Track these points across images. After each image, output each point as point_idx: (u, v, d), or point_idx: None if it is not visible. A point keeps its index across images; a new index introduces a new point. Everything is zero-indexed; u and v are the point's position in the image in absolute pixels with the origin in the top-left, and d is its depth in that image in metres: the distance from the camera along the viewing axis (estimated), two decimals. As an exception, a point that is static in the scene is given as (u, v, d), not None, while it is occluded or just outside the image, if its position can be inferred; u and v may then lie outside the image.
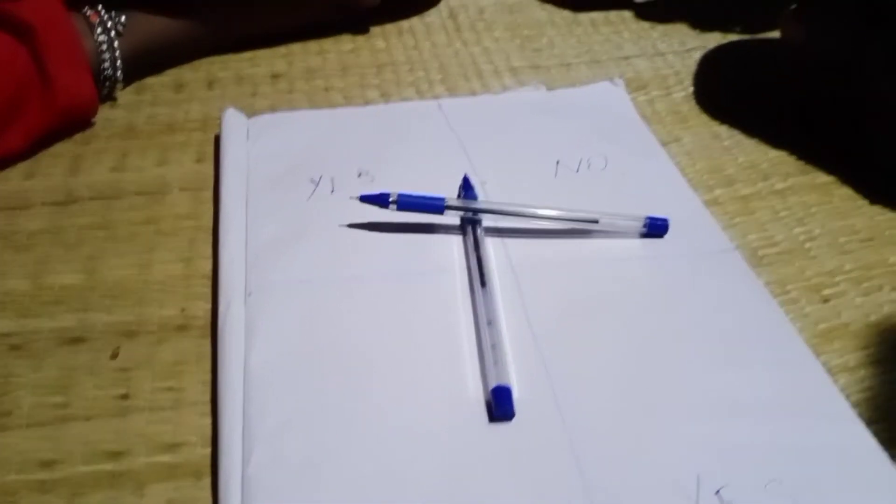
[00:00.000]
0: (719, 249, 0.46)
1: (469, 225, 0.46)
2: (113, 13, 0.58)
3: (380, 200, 0.45)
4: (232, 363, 0.37)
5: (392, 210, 0.45)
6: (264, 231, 0.46)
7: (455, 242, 0.46)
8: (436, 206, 0.46)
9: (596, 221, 0.46)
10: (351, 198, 0.46)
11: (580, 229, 0.47)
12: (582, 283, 0.44)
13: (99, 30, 0.57)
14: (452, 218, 0.47)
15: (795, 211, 0.51)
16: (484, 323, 0.40)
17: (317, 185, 0.50)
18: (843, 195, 0.52)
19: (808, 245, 0.48)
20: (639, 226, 0.46)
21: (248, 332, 0.39)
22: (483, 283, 0.42)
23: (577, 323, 0.41)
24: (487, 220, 0.47)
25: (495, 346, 0.38)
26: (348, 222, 0.47)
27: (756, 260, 0.47)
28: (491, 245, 0.46)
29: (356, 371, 0.38)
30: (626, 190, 0.50)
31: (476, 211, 0.47)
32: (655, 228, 0.46)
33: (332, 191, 0.49)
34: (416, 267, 0.44)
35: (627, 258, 0.45)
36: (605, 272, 0.44)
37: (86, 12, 0.57)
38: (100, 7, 0.57)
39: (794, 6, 0.58)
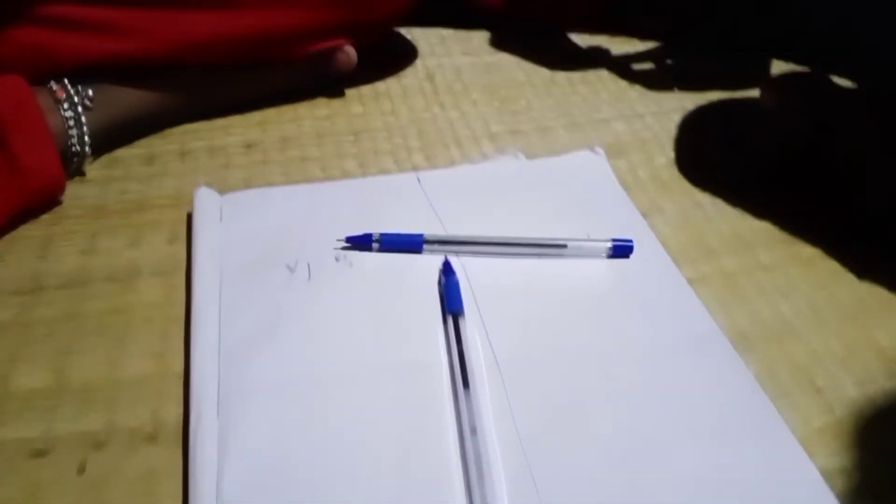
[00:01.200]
0: (707, 336, 0.45)
1: (450, 316, 0.45)
2: (80, 87, 0.56)
3: (364, 241, 0.49)
4: (204, 485, 0.36)
5: (375, 251, 0.49)
6: (237, 326, 0.44)
7: (438, 332, 0.45)
8: (415, 242, 0.50)
9: (564, 246, 0.50)
10: (338, 240, 0.50)
11: (551, 254, 0.50)
12: (568, 380, 0.42)
13: (65, 105, 0.55)
14: (434, 302, 0.46)
15: (781, 286, 0.50)
16: (467, 431, 0.38)
17: (293, 271, 0.48)
18: (828, 270, 0.52)
19: (797, 325, 0.48)
20: (605, 247, 0.50)
21: (221, 446, 0.38)
22: (465, 384, 0.40)
23: (564, 425, 0.40)
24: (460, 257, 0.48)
25: (479, 460, 0.36)
26: (325, 312, 0.45)
27: (744, 342, 0.46)
28: (474, 332, 0.45)
29: (334, 487, 0.36)
30: (608, 271, 0.49)
31: (452, 242, 0.50)
32: (621, 250, 0.50)
33: (309, 278, 0.48)
34: (396, 361, 0.43)
35: (613, 351, 0.44)
36: (592, 366, 0.43)
37: (51, 87, 0.55)
38: (66, 81, 0.56)
39: (772, 76, 0.58)
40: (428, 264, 0.49)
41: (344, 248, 0.50)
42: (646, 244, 0.52)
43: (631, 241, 0.50)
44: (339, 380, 0.42)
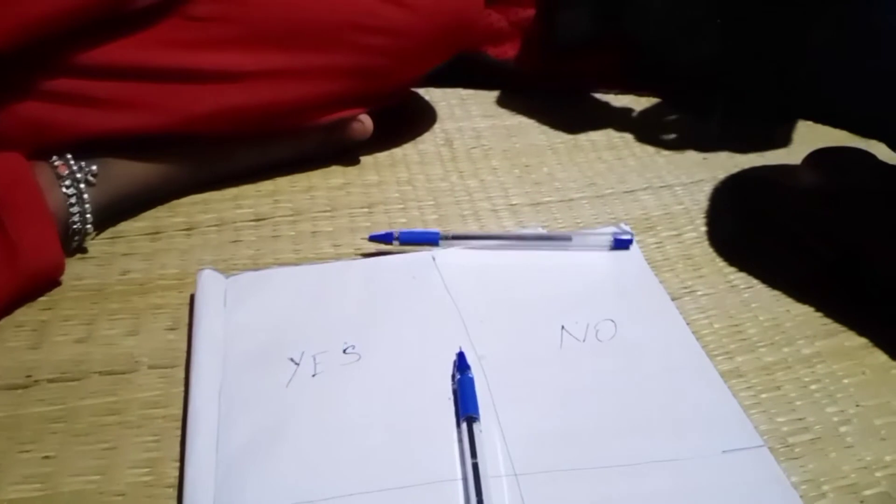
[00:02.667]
0: (747, 446, 0.41)
1: (464, 421, 0.41)
2: (83, 163, 0.54)
3: (385, 238, 0.55)
4: None
5: (396, 246, 0.54)
6: (237, 431, 0.41)
7: (451, 440, 0.42)
8: (431, 238, 0.55)
9: (569, 239, 0.55)
10: (362, 239, 0.55)
11: (556, 247, 0.54)
12: (595, 495, 0.39)
13: (67, 182, 0.53)
14: (447, 408, 0.43)
15: (826, 384, 0.46)
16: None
17: (298, 365, 0.45)
18: (875, 364, 0.48)
19: (842, 429, 0.44)
20: (608, 239, 0.54)
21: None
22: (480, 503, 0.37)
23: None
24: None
25: None
26: (329, 415, 0.42)
27: (786, 450, 0.42)
28: (491, 435, 0.41)
29: None
30: (637, 367, 0.46)
31: (465, 237, 0.55)
32: (621, 243, 0.54)
33: (314, 374, 0.45)
34: (408, 480, 0.39)
35: (649, 459, 0.40)
36: (621, 479, 0.39)
37: (53, 162, 0.53)
38: (69, 156, 0.54)
39: (815, 152, 0.55)
40: (440, 356, 0.46)
41: (347, 349, 0.46)
42: (677, 335, 0.48)
43: (631, 234, 0.55)
44: (345, 497, 0.38)
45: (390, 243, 0.54)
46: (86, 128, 0.54)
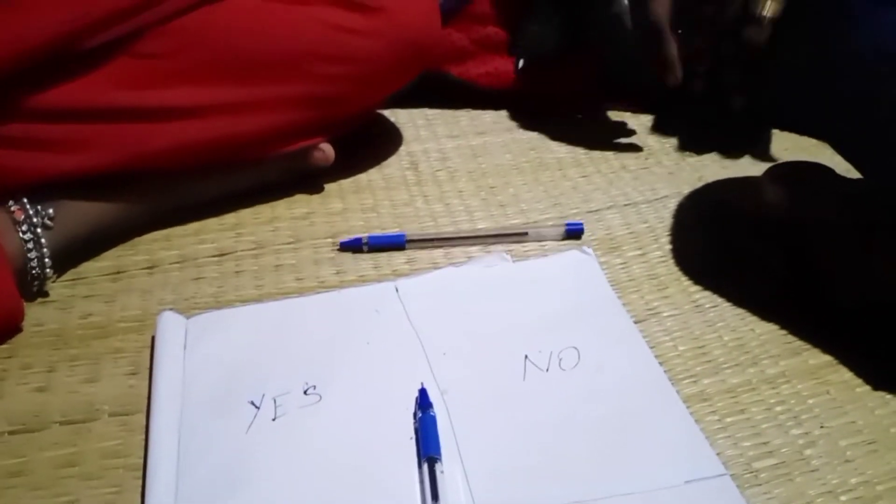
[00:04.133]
0: (710, 475, 0.41)
1: (426, 461, 0.41)
2: (39, 207, 0.53)
3: (355, 244, 0.58)
4: None
5: (366, 251, 0.58)
6: (196, 478, 0.41)
7: (413, 482, 0.41)
8: (397, 241, 0.58)
9: (525, 234, 0.59)
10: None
11: (513, 241, 0.58)
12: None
13: (24, 227, 0.52)
14: (408, 448, 0.43)
15: (791, 405, 0.46)
16: None
17: (258, 409, 0.45)
18: (840, 382, 0.48)
19: (807, 452, 0.43)
20: (560, 232, 0.59)
21: None
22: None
23: None
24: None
25: None
26: (290, 460, 0.42)
27: (751, 476, 0.42)
28: (453, 476, 0.41)
29: None
30: (600, 397, 0.45)
31: (431, 240, 0.59)
32: (573, 231, 0.59)
33: (274, 418, 0.44)
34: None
35: (614, 487, 0.40)
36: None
37: (10, 207, 0.53)
38: (25, 200, 0.53)
39: (770, 168, 0.55)
40: (403, 391, 0.46)
41: (308, 390, 0.46)
42: (640, 362, 0.48)
43: (581, 224, 0.59)
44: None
45: (360, 249, 0.58)
46: (40, 171, 0.53)
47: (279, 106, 0.58)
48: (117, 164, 0.55)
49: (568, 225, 0.59)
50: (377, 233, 0.59)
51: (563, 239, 0.59)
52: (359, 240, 0.58)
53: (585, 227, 0.60)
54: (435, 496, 0.39)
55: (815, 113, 0.54)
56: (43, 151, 0.53)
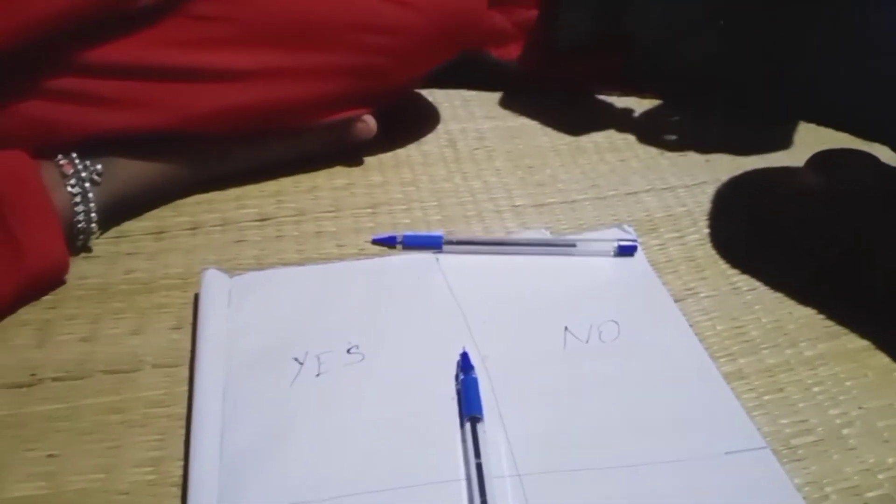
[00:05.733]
0: (750, 447, 0.41)
1: (468, 421, 0.41)
2: (88, 162, 0.54)
3: (389, 241, 0.55)
4: None
5: (399, 250, 0.55)
6: (241, 430, 0.41)
7: (455, 439, 0.42)
8: (435, 242, 0.55)
9: (574, 245, 0.55)
10: (365, 241, 0.55)
11: (560, 253, 0.54)
12: (598, 494, 0.39)
13: (73, 181, 0.53)
14: (451, 408, 0.43)
15: (828, 386, 0.47)
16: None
17: (302, 365, 0.45)
18: (878, 366, 0.48)
19: (845, 432, 0.44)
20: (612, 246, 0.55)
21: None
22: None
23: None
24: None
25: None
26: (333, 414, 0.42)
27: (790, 452, 0.42)
28: (494, 437, 0.42)
29: None
30: (640, 368, 0.46)
31: (469, 243, 0.55)
32: (626, 249, 0.55)
33: (318, 374, 0.45)
34: (411, 479, 0.40)
35: (651, 463, 0.41)
36: (624, 478, 0.40)
37: (59, 161, 0.53)
38: (74, 155, 0.54)
39: (819, 154, 0.55)
40: (444, 356, 0.46)
41: (351, 349, 0.47)
42: (679, 337, 0.48)
43: (635, 241, 0.55)
44: (348, 497, 0.38)
45: (394, 247, 0.55)
46: (89, 126, 0.54)
47: (322, 75, 0.59)
48: (165, 125, 0.55)
49: (619, 241, 0.55)
50: (411, 231, 0.58)
51: (615, 256, 0.55)
52: (393, 238, 0.56)
53: (623, 209, 0.60)
54: (477, 453, 0.39)
55: (852, 96, 0.54)
56: (93, 107, 0.53)
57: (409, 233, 0.56)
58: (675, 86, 0.76)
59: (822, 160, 0.55)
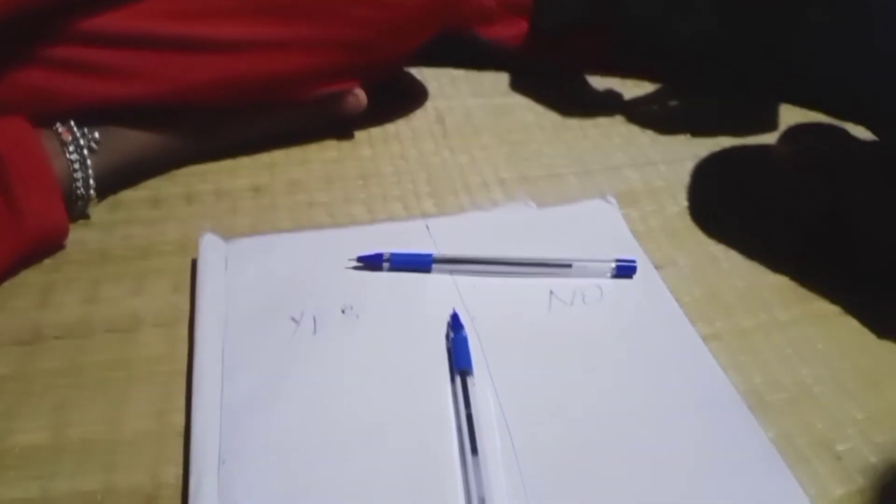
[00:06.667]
0: (725, 399, 0.44)
1: (458, 374, 0.43)
2: (86, 130, 0.55)
3: (375, 260, 0.51)
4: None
5: (386, 270, 0.51)
6: (240, 383, 0.43)
7: (445, 391, 0.44)
8: (424, 261, 0.51)
9: (569, 266, 0.51)
10: (350, 259, 0.51)
11: (555, 274, 0.51)
12: (582, 440, 0.41)
13: (71, 148, 0.54)
14: (442, 355, 0.46)
15: (800, 348, 0.49)
16: (476, 501, 0.37)
17: (298, 323, 0.47)
18: (848, 329, 0.51)
19: (815, 389, 0.46)
20: (609, 267, 0.52)
21: (222, 510, 0.36)
22: (474, 450, 0.39)
23: (575, 491, 0.39)
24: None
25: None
26: (330, 368, 0.44)
27: (762, 406, 0.45)
28: (483, 390, 0.44)
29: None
30: (620, 327, 0.48)
31: (460, 261, 0.51)
32: (624, 270, 0.52)
33: (315, 331, 0.46)
34: (403, 424, 0.42)
35: (630, 411, 0.43)
36: (605, 427, 0.42)
37: (57, 129, 0.55)
38: (72, 123, 0.55)
39: (789, 128, 0.57)
40: (436, 317, 0.48)
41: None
42: (658, 299, 0.50)
43: (634, 261, 0.52)
44: (343, 442, 0.41)
45: (380, 267, 0.51)
46: (87, 96, 0.55)
47: (315, 46, 0.60)
48: (161, 95, 0.57)
49: (618, 262, 0.52)
50: (405, 197, 0.60)
51: (613, 277, 0.52)
52: (380, 256, 0.51)
53: (606, 182, 0.62)
54: (467, 404, 0.41)
55: (849, 73, 0.56)
56: (90, 76, 0.54)
57: (396, 251, 0.51)
58: (667, 64, 0.77)
59: (794, 134, 0.57)
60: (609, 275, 0.52)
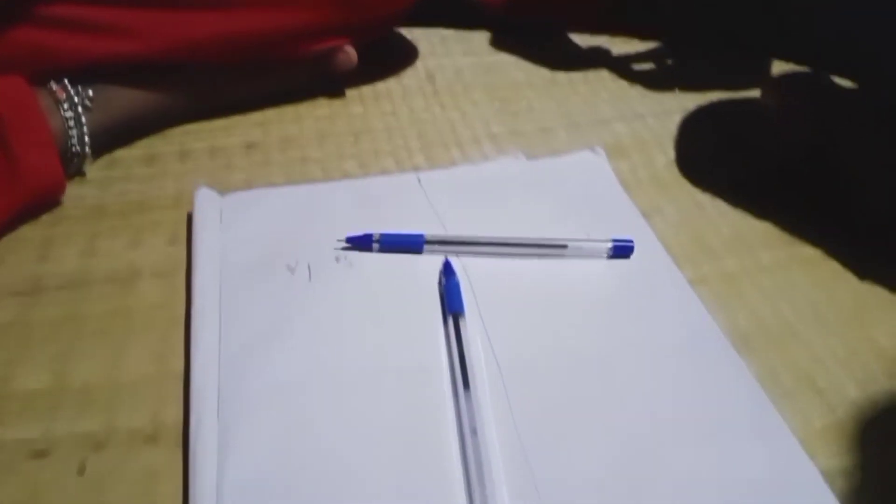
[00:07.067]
0: (709, 338, 0.45)
1: (451, 316, 0.45)
2: (80, 87, 0.56)
3: (364, 241, 0.49)
4: (204, 487, 0.36)
5: (376, 251, 0.49)
6: (238, 329, 0.44)
7: (438, 333, 0.45)
8: (415, 242, 0.49)
9: (565, 247, 0.50)
10: (339, 241, 0.49)
11: (551, 255, 0.50)
12: (568, 380, 0.42)
13: (66, 105, 0.55)
14: (434, 301, 0.47)
15: (783, 288, 0.50)
16: (468, 432, 0.38)
17: (293, 271, 0.48)
18: (829, 270, 0.52)
19: (798, 328, 0.47)
20: (606, 247, 0.50)
21: (221, 449, 0.38)
22: (466, 386, 0.40)
23: (565, 425, 0.40)
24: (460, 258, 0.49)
25: (479, 461, 0.36)
26: (325, 313, 0.45)
27: (745, 343, 0.46)
28: (474, 332, 0.45)
29: (335, 489, 0.36)
30: (610, 271, 0.49)
31: (453, 243, 0.50)
32: (621, 250, 0.50)
33: (310, 279, 0.47)
34: (397, 363, 0.43)
35: (615, 351, 0.44)
36: (592, 366, 0.43)
37: (51, 87, 0.55)
38: (66, 81, 0.56)
39: (773, 76, 0.58)
40: (429, 265, 0.49)
41: (344, 249, 0.49)
42: (646, 245, 0.52)
43: (631, 241, 0.50)
44: (339, 382, 0.42)
45: (369, 247, 0.49)
46: (84, 53, 0.56)
47: (309, 3, 0.61)
48: (157, 52, 0.57)
49: (615, 241, 0.50)
50: (396, 153, 0.60)
51: (609, 258, 0.50)
52: (369, 237, 0.49)
53: (594, 136, 0.63)
54: (459, 343, 0.43)
55: (849, 30, 0.56)
56: (89, 34, 0.55)
57: (386, 231, 0.50)
58: (661, 19, 0.78)
59: (779, 82, 0.58)
60: (606, 255, 0.50)
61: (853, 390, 0.44)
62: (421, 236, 0.49)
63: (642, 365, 0.43)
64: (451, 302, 0.46)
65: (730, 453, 0.39)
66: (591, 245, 0.50)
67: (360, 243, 0.49)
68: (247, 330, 0.44)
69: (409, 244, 0.49)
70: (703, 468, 0.38)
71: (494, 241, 0.50)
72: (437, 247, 0.50)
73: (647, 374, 0.43)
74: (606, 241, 0.50)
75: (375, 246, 0.49)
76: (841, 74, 0.62)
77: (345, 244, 0.50)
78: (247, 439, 0.38)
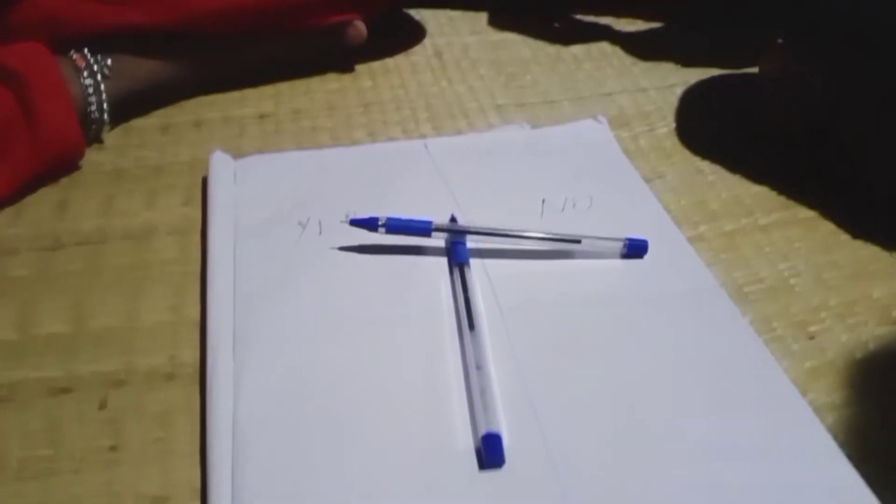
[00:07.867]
0: (705, 287, 0.46)
1: (457, 267, 0.46)
2: (99, 56, 0.58)
3: (370, 224, 0.47)
4: (220, 419, 0.37)
5: (381, 234, 0.47)
6: (252, 277, 0.46)
7: (443, 283, 0.46)
8: (423, 228, 0.48)
9: (578, 242, 0.48)
10: (341, 222, 0.49)
11: (563, 250, 0.49)
12: (568, 324, 0.44)
13: (85, 73, 0.57)
14: (440, 258, 0.48)
15: (779, 246, 0.52)
16: (473, 367, 0.40)
17: (304, 227, 0.50)
18: (825, 230, 0.53)
19: (792, 281, 0.49)
20: (619, 246, 0.49)
21: (237, 385, 0.39)
22: (471, 327, 0.42)
23: (565, 365, 0.41)
24: (471, 243, 0.49)
25: (484, 392, 0.38)
26: (336, 265, 0.47)
27: (741, 297, 0.47)
28: (478, 284, 0.46)
29: (344, 422, 0.38)
30: (610, 229, 0.50)
31: (462, 232, 0.49)
32: (635, 249, 0.49)
33: (320, 233, 0.49)
34: (403, 310, 0.44)
35: (613, 297, 0.46)
36: (591, 311, 0.45)
37: (72, 56, 0.57)
38: (86, 50, 0.58)
39: (777, 40, 0.59)
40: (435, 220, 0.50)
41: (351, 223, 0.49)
42: (647, 207, 0.53)
43: (646, 240, 0.49)
44: (348, 323, 0.43)
45: (375, 229, 0.47)
46: (100, 22, 0.58)
47: None
48: (171, 21, 0.59)
49: (630, 240, 0.48)
50: (404, 123, 0.62)
51: (622, 257, 0.49)
52: (375, 219, 0.47)
53: (598, 108, 0.64)
54: (465, 289, 0.44)
55: (858, 7, 0.57)
56: (102, 3, 0.57)
57: (393, 216, 0.48)
58: (655, 5, 0.79)
59: (778, 50, 0.60)
60: (618, 254, 0.49)
61: (844, 335, 0.45)
62: (429, 222, 0.48)
63: (641, 310, 0.45)
64: (456, 254, 0.47)
65: (722, 393, 0.40)
66: (603, 243, 0.49)
67: (366, 225, 0.47)
68: (260, 278, 0.46)
69: (416, 229, 0.47)
70: (694, 401, 0.40)
71: (506, 232, 0.48)
72: (444, 234, 0.48)
73: (645, 318, 0.44)
74: (620, 239, 0.48)
75: (381, 230, 0.47)
76: (848, 47, 0.63)
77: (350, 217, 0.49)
78: (261, 376, 0.40)
